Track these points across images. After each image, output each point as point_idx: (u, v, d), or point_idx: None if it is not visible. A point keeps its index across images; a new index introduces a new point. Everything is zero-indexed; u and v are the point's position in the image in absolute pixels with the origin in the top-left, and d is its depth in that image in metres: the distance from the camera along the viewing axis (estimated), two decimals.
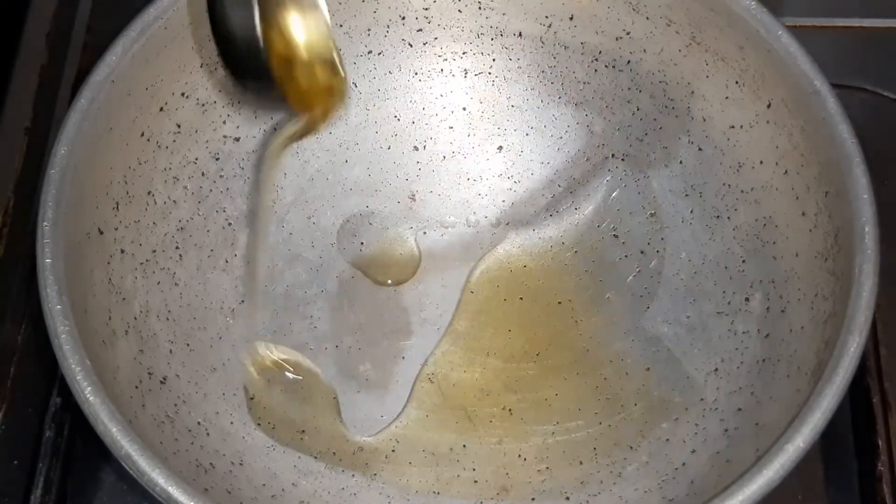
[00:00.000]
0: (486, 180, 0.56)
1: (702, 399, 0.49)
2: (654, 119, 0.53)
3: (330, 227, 0.55)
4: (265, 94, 0.45)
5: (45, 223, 0.43)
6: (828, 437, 0.46)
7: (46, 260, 0.43)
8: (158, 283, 0.50)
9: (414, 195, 0.56)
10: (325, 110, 0.45)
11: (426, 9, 0.54)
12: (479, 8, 0.54)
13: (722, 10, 0.49)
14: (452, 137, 0.56)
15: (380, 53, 0.55)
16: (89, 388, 0.41)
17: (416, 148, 0.56)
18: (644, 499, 0.47)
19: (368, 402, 0.51)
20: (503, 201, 0.56)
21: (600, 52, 0.54)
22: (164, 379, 0.48)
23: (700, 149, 0.52)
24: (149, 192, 0.50)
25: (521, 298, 0.54)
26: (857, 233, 0.44)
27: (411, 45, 0.55)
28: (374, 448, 0.50)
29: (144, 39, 0.48)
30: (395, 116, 0.56)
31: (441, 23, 0.55)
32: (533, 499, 0.49)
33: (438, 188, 0.56)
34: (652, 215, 0.54)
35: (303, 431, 0.50)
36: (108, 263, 0.47)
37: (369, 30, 0.54)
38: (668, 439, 0.49)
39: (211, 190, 0.53)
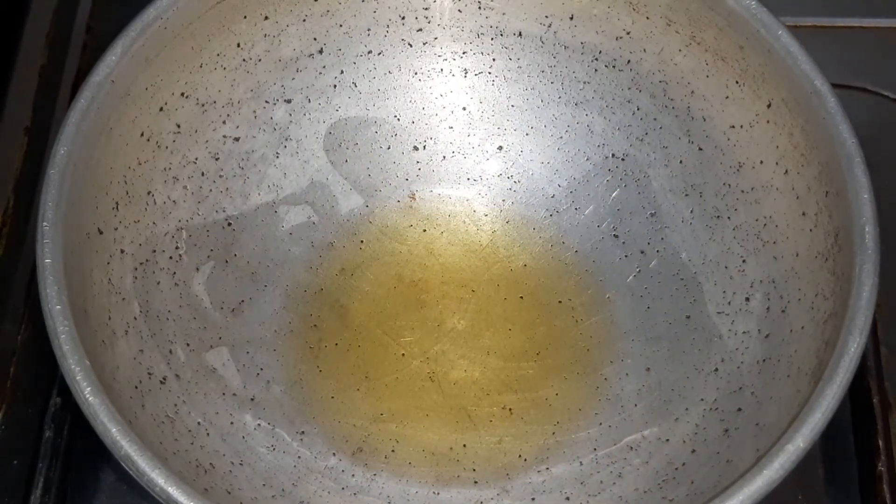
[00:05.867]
0: (486, 180, 0.56)
1: (702, 399, 0.49)
2: (654, 119, 0.53)
3: (330, 227, 0.55)
4: None
5: (45, 223, 0.43)
6: (828, 437, 0.46)
7: (46, 260, 0.43)
8: (158, 283, 0.50)
9: (414, 195, 0.56)
10: None
11: (426, 9, 0.54)
12: (479, 8, 0.54)
13: (722, 10, 0.49)
14: (452, 137, 0.56)
15: (380, 53, 0.55)
16: (89, 389, 0.41)
17: (416, 148, 0.56)
18: (644, 499, 0.47)
19: (368, 402, 0.51)
20: (503, 201, 0.56)
21: (600, 52, 0.54)
22: (164, 379, 0.48)
23: (700, 149, 0.52)
24: (149, 192, 0.50)
25: (521, 298, 0.54)
26: (858, 233, 0.44)
27: (411, 45, 0.55)
28: (374, 448, 0.50)
29: (144, 39, 0.48)
30: (395, 116, 0.56)
31: (441, 23, 0.55)
32: (533, 499, 0.49)
33: (438, 188, 0.56)
34: (652, 215, 0.54)
35: (303, 432, 0.50)
36: (108, 263, 0.47)
37: (369, 30, 0.54)
38: (668, 439, 0.49)
39: (211, 190, 0.53)
